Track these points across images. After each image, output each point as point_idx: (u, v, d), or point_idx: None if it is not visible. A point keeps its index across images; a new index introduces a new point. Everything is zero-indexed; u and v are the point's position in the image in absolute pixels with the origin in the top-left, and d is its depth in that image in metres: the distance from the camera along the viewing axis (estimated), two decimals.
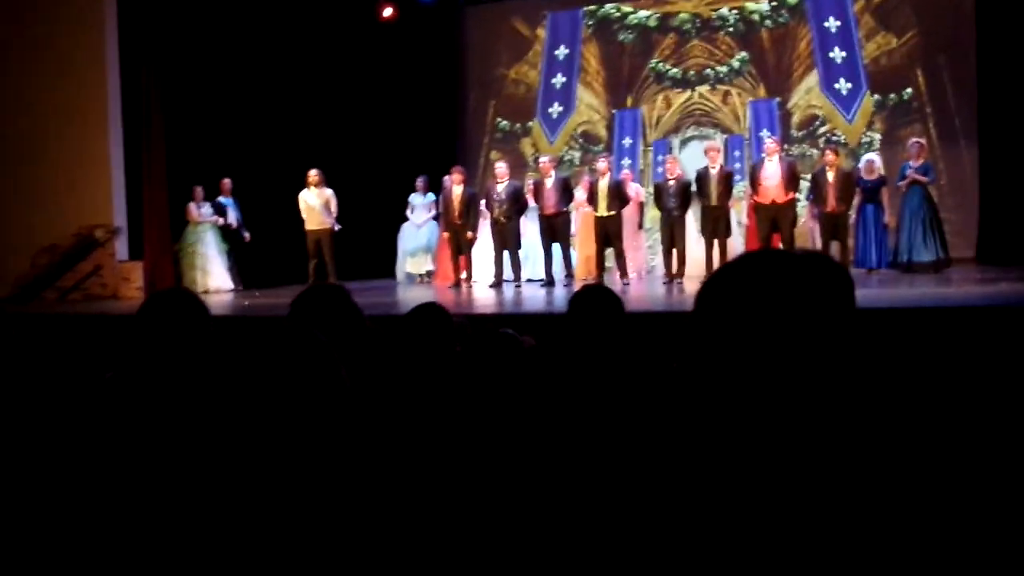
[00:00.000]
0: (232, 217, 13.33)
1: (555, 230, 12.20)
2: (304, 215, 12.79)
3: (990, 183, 12.58)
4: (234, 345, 1.72)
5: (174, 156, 12.84)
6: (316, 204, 12.71)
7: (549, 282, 12.17)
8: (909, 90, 14.67)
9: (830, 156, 11.95)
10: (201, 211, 13.06)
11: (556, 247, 12.33)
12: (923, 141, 12.44)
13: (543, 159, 12.79)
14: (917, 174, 11.84)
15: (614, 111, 16.26)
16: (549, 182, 12.22)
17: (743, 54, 15.55)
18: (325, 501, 1.62)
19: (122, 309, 10.50)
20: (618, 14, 16.22)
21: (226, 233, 13.29)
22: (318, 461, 1.65)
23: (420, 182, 14.23)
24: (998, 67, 13.15)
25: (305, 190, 12.80)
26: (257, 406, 1.66)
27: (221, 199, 13.29)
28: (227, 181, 13.34)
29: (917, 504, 1.32)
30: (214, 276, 12.99)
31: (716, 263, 11.81)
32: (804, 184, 13.02)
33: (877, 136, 14.79)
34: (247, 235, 13.43)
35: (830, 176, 11.72)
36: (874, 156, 12.95)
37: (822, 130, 15.13)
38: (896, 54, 14.79)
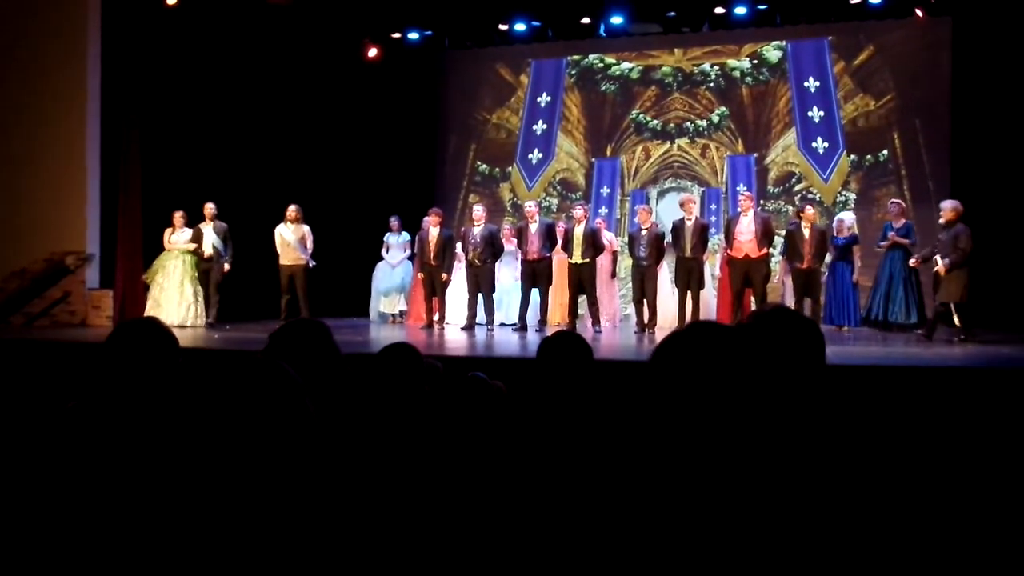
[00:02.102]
0: (209, 245, 12.71)
1: (537, 275, 12.22)
2: (279, 250, 12.73)
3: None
4: (198, 378, 1.71)
5: (152, 186, 12.78)
6: (292, 239, 12.66)
7: (522, 327, 12.16)
8: (885, 152, 14.86)
9: (810, 211, 12.04)
10: (173, 237, 12.60)
11: (534, 292, 12.34)
12: (902, 203, 12.57)
13: (528, 204, 12.84)
14: (899, 236, 11.95)
15: (593, 160, 16.36)
16: (534, 227, 12.25)
17: (723, 109, 15.71)
18: (285, 531, 1.60)
19: (89, 337, 10.40)
20: (601, 65, 16.37)
21: (203, 262, 12.67)
22: (280, 492, 1.63)
23: (394, 222, 14.23)
24: (972, 132, 13.39)
25: (282, 224, 12.76)
26: (218, 438, 1.64)
27: (202, 226, 12.74)
28: (210, 205, 12.79)
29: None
30: (166, 311, 12.13)
31: (689, 315, 11.86)
32: (778, 240, 13.12)
33: (852, 195, 14.95)
34: (226, 265, 12.77)
35: (806, 233, 11.83)
36: (846, 215, 13.09)
37: (798, 187, 15.28)
38: (873, 116, 15.00)
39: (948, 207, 10.88)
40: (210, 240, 12.72)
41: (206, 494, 1.62)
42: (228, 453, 1.64)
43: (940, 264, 10.56)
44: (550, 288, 12.66)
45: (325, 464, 1.85)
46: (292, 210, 12.76)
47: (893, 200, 12.53)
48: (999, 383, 7.19)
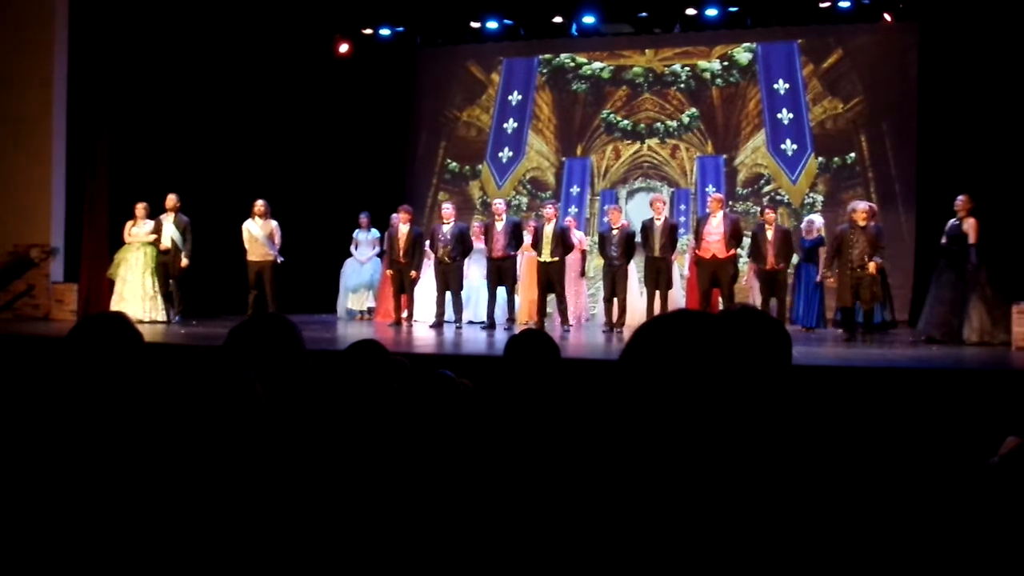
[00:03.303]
0: (167, 237, 12.39)
1: (502, 273, 12.21)
2: (247, 245, 12.63)
3: (926, 249, 12.81)
4: (157, 373, 1.69)
5: (119, 180, 12.66)
6: (260, 235, 12.57)
7: (490, 325, 12.16)
8: (852, 154, 14.99)
9: (769, 214, 12.14)
10: (133, 230, 12.36)
11: (501, 290, 12.33)
12: (874, 205, 12.68)
13: (496, 202, 12.82)
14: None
15: (564, 159, 16.38)
16: (500, 225, 12.24)
17: (693, 110, 15.78)
18: (240, 527, 1.59)
19: (52, 331, 10.30)
20: (573, 64, 16.39)
21: (162, 255, 12.40)
22: (231, 488, 1.62)
23: (364, 218, 14.17)
24: (938, 136, 13.51)
25: (249, 220, 12.66)
26: (165, 432, 1.62)
27: (163, 217, 12.42)
28: (172, 197, 12.41)
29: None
30: (131, 305, 11.88)
31: (658, 314, 11.88)
32: (746, 240, 13.19)
33: (820, 197, 15.06)
34: (184, 259, 12.47)
35: (769, 234, 11.89)
36: (815, 217, 13.19)
37: (767, 189, 15.37)
38: (841, 119, 15.12)
39: (862, 208, 11.10)
40: (168, 232, 12.42)
41: (158, 489, 1.61)
42: (174, 448, 1.63)
43: (872, 264, 10.73)
44: (517, 286, 12.66)
45: (280, 459, 1.83)
46: (259, 205, 12.65)
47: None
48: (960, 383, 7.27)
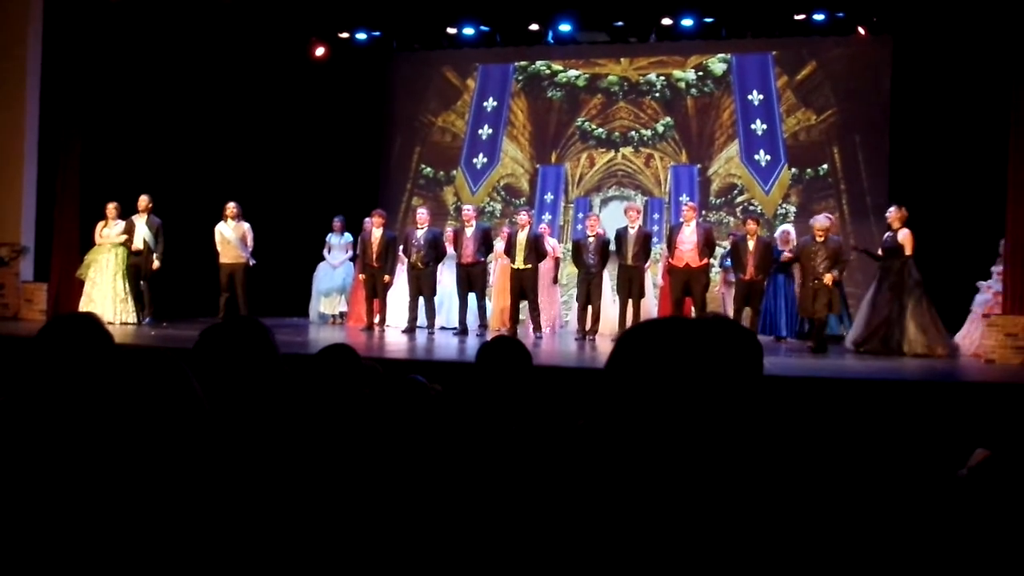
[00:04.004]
0: (140, 238, 12.38)
1: (472, 279, 12.21)
2: (219, 247, 12.57)
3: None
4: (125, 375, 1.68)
5: (91, 180, 12.58)
6: (232, 237, 12.51)
7: (462, 331, 12.15)
8: (825, 166, 15.09)
9: (751, 225, 12.10)
10: (105, 231, 12.32)
11: (472, 296, 12.33)
12: (833, 218, 12.76)
13: (466, 208, 12.83)
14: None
15: (538, 166, 16.40)
16: (469, 231, 12.25)
17: (668, 119, 15.84)
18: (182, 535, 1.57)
19: (21, 331, 10.21)
20: (548, 71, 16.42)
21: (133, 256, 12.37)
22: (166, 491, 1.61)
23: (337, 222, 14.14)
24: (910, 149, 13.64)
25: (222, 222, 12.60)
26: (105, 435, 1.61)
27: (135, 218, 12.41)
28: (144, 198, 12.42)
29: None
30: (100, 307, 11.83)
31: (630, 322, 11.92)
32: (719, 250, 13.25)
33: (792, 208, 15.14)
34: (155, 261, 12.43)
35: (751, 245, 11.88)
36: (789, 227, 13.26)
37: (740, 199, 15.44)
38: (815, 130, 15.22)
39: (823, 224, 11.30)
40: (141, 233, 12.40)
41: (100, 492, 1.60)
42: (114, 451, 1.62)
43: (828, 277, 10.86)
44: (488, 292, 12.67)
45: (228, 461, 1.82)
46: (231, 207, 12.59)
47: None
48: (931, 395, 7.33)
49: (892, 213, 11.11)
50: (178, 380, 1.71)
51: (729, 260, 12.67)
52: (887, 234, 11.16)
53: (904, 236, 10.89)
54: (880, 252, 11.21)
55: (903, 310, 10.78)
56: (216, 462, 1.74)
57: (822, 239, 11.10)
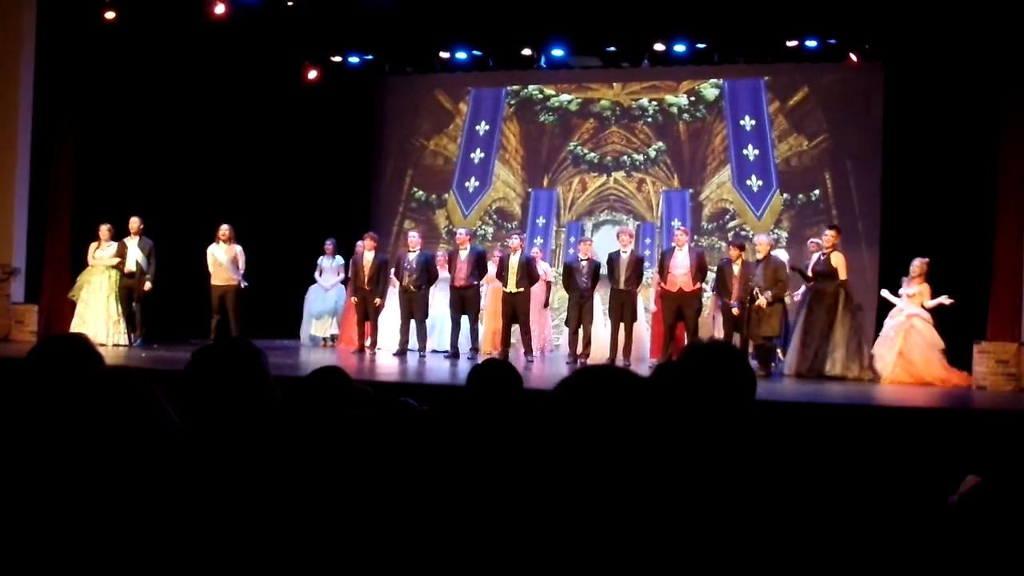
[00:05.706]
0: (132, 260, 12.38)
1: (465, 302, 12.21)
2: (211, 269, 12.55)
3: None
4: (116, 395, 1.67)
5: (83, 201, 12.56)
6: (224, 259, 12.50)
7: (454, 354, 12.14)
8: (817, 191, 15.13)
9: (734, 251, 12.13)
10: (98, 253, 12.31)
11: (465, 319, 12.32)
12: (773, 238, 12.84)
13: (460, 231, 12.85)
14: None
15: (530, 190, 16.42)
16: (464, 254, 12.26)
17: (660, 144, 15.88)
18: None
19: (11, 352, 10.17)
20: (541, 96, 16.47)
21: (126, 278, 12.34)
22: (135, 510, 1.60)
23: (329, 245, 14.15)
24: (902, 174, 13.67)
25: (214, 244, 12.60)
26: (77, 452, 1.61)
27: (127, 240, 12.43)
28: (135, 220, 12.44)
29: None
30: (92, 328, 11.78)
31: (621, 347, 11.91)
32: (710, 275, 13.25)
33: (784, 234, 15.16)
34: (147, 283, 12.44)
35: (736, 269, 11.90)
36: (782, 253, 13.27)
37: (732, 224, 15.47)
38: (807, 156, 15.27)
39: (764, 241, 11.52)
40: (134, 256, 12.41)
41: (83, 509, 1.59)
42: (88, 468, 1.61)
43: (762, 298, 10.98)
44: (481, 315, 12.66)
45: (199, 480, 1.81)
46: (224, 229, 12.60)
47: (813, 240, 12.65)
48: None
49: (829, 236, 11.25)
50: (146, 400, 1.70)
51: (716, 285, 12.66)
52: (818, 255, 11.27)
53: (838, 260, 11.04)
54: (810, 273, 11.32)
55: (832, 333, 10.89)
56: (191, 481, 1.73)
57: (763, 257, 11.23)
